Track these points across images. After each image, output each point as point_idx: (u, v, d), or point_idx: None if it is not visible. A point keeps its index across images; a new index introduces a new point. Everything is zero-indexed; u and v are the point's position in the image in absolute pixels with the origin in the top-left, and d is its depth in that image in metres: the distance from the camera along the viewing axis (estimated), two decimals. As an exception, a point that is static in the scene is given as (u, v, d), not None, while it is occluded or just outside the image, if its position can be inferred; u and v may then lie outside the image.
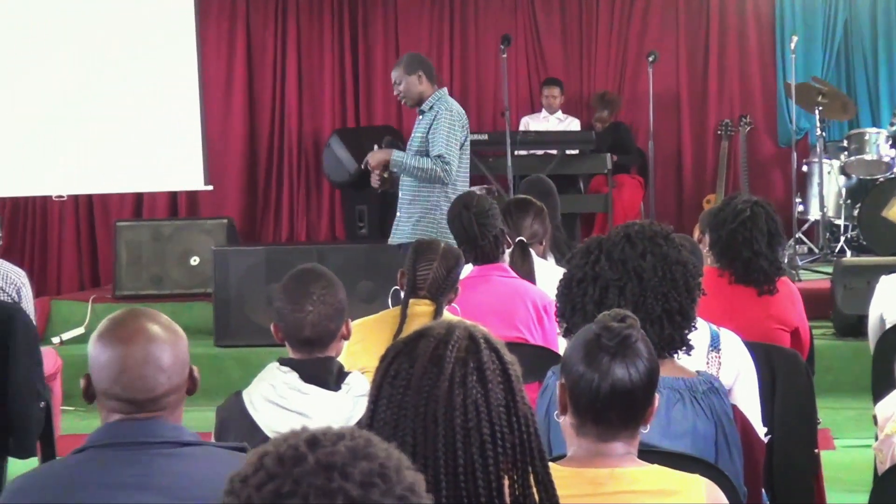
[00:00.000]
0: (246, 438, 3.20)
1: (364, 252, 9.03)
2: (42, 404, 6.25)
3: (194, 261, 9.68)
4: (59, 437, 6.54)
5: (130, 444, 2.56)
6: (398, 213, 7.19)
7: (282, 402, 3.40)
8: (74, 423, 7.57)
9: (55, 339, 9.10)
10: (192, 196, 10.92)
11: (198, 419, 4.54)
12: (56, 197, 10.32)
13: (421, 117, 7.13)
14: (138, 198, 10.89)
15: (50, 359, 6.65)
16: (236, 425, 3.43)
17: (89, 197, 10.78)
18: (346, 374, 3.48)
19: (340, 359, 3.58)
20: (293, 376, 3.43)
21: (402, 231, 7.11)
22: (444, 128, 6.95)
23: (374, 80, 11.03)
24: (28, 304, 6.27)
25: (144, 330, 2.61)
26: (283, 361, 3.48)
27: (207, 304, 9.10)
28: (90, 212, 10.91)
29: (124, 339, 2.59)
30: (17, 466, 6.25)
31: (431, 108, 7.06)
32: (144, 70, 10.07)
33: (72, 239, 10.87)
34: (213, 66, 10.72)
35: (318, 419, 3.31)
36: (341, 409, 3.38)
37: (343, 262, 8.45)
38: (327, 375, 3.44)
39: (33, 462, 6.28)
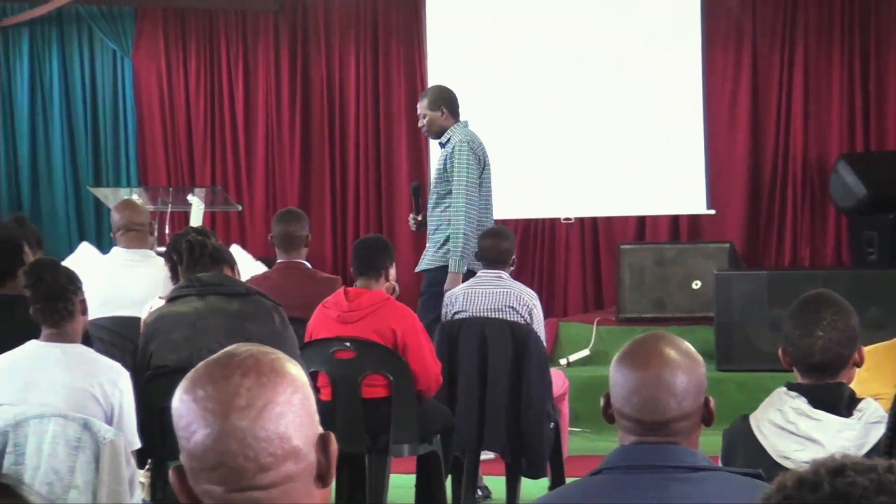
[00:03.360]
0: (752, 463, 3.19)
1: (873, 278, 8.77)
2: (552, 425, 6.45)
3: (696, 284, 9.69)
4: (566, 458, 6.71)
5: (646, 467, 2.61)
6: (427, 244, 7.52)
7: (790, 428, 3.36)
8: (582, 444, 7.72)
9: (562, 361, 9.33)
10: (693, 219, 10.94)
11: (702, 442, 4.56)
12: (564, 220, 10.62)
13: (441, 149, 7.53)
14: (640, 221, 10.99)
15: (559, 380, 6.83)
16: (743, 449, 3.42)
17: (594, 220, 10.99)
18: (858, 400, 3.41)
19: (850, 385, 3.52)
20: (802, 401, 3.39)
21: (425, 258, 7.48)
22: (462, 164, 7.33)
23: (885, 104, 10.64)
24: (539, 325, 6.48)
25: (660, 354, 2.66)
26: (791, 386, 3.45)
27: (709, 328, 9.06)
28: (595, 234, 11.10)
29: (640, 361, 2.66)
30: (529, 487, 6.47)
31: (449, 140, 7.45)
32: (651, 95, 10.24)
33: (577, 261, 11.09)
34: (718, 90, 10.71)
35: (830, 445, 3.26)
36: (853, 435, 3.31)
37: (851, 288, 8.20)
38: (838, 401, 3.38)
39: (543, 483, 6.47)
